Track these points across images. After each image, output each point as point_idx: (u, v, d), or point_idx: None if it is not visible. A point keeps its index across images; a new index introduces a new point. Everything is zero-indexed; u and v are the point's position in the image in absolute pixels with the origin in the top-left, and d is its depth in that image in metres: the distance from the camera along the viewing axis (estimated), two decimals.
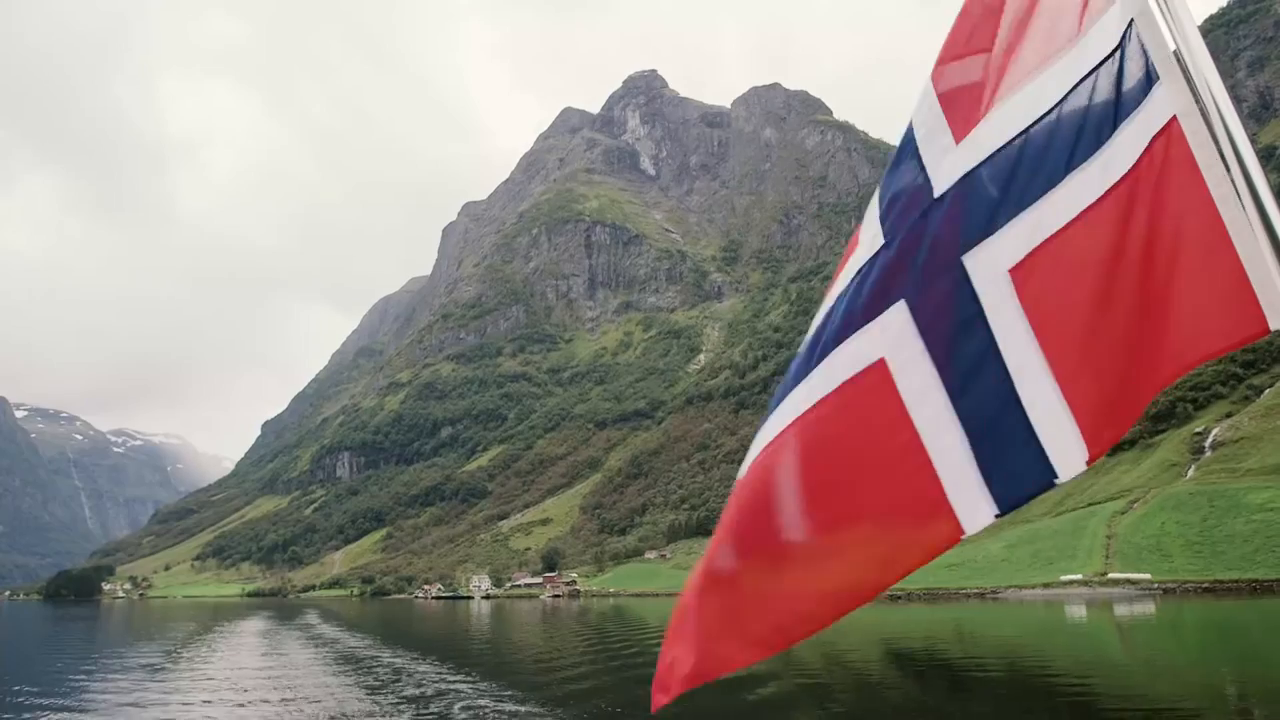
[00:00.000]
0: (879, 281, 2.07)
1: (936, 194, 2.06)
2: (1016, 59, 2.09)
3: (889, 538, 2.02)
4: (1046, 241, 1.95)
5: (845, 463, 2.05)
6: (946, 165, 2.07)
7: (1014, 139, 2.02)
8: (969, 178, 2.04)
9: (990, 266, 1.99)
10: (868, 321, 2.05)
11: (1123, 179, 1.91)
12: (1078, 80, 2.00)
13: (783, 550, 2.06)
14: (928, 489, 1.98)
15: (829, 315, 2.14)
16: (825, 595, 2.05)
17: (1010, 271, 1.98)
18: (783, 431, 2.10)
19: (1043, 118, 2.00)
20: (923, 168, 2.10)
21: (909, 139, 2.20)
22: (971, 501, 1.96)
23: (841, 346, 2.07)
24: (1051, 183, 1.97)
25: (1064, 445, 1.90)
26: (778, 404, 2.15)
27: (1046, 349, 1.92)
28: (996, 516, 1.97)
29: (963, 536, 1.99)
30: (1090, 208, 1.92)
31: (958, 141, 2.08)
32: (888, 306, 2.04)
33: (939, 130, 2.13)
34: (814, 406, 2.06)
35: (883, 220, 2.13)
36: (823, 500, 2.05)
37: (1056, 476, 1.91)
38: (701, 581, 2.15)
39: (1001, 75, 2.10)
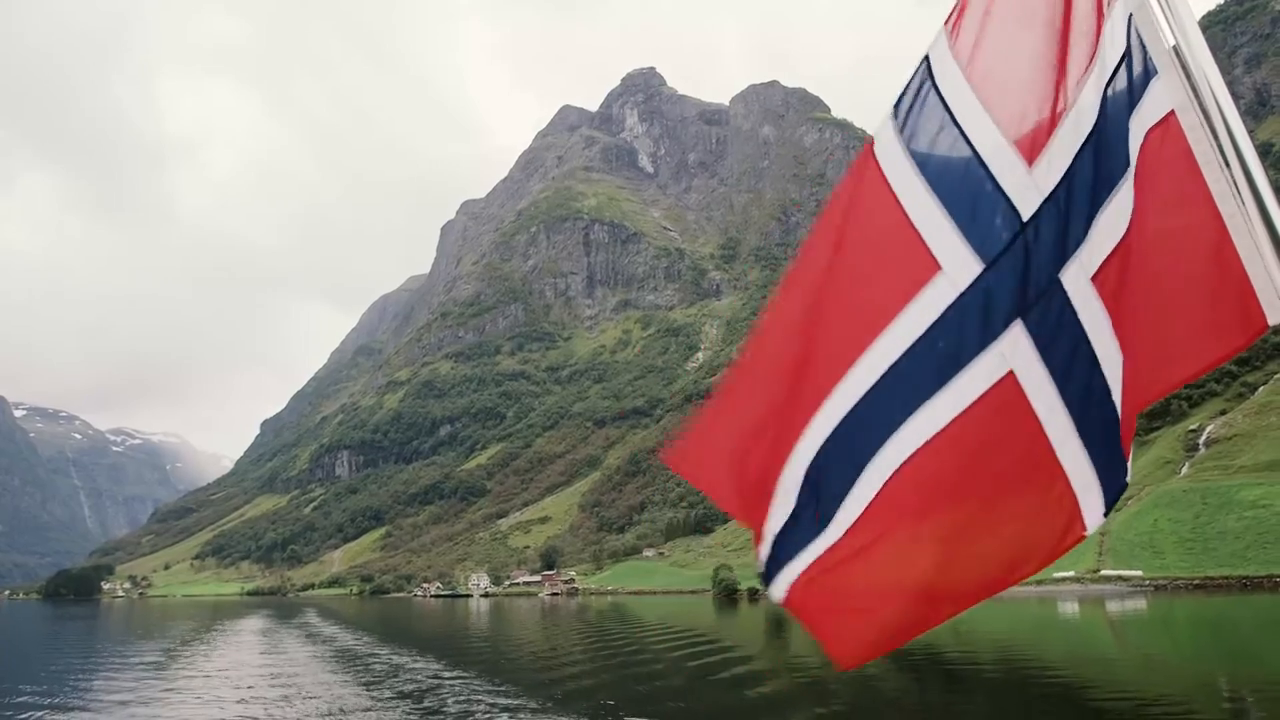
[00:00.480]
0: (995, 303, 2.14)
1: (1024, 218, 2.12)
2: (1066, 74, 2.15)
3: (1023, 539, 2.15)
4: (1118, 247, 2.05)
5: (985, 474, 2.15)
6: (1027, 190, 2.13)
7: (1077, 155, 2.08)
8: (1051, 200, 2.10)
9: (1080, 279, 2.08)
10: (991, 341, 2.14)
11: (1132, 174, 1.99)
12: (1105, 84, 2.07)
13: (921, 548, 2.18)
14: (1065, 496, 2.10)
15: (938, 330, 2.17)
16: (947, 594, 2.18)
17: (1092, 279, 2.07)
18: (924, 446, 2.16)
19: (1095, 127, 2.07)
20: (1001, 190, 2.15)
21: (959, 137, 2.20)
22: (1092, 504, 2.10)
23: (971, 365, 2.15)
24: (1110, 186, 2.06)
25: (1125, 446, 2.06)
26: (900, 420, 2.18)
27: (1125, 351, 2.01)
28: (1103, 516, 2.14)
29: (1085, 536, 2.15)
30: (1134, 209, 2.01)
31: (1030, 165, 2.13)
32: (1007, 326, 2.12)
33: (1005, 152, 2.16)
34: (953, 420, 2.14)
35: (973, 244, 2.17)
36: (962, 506, 2.15)
37: (1128, 476, 2.09)
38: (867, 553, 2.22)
39: (1057, 92, 2.15)
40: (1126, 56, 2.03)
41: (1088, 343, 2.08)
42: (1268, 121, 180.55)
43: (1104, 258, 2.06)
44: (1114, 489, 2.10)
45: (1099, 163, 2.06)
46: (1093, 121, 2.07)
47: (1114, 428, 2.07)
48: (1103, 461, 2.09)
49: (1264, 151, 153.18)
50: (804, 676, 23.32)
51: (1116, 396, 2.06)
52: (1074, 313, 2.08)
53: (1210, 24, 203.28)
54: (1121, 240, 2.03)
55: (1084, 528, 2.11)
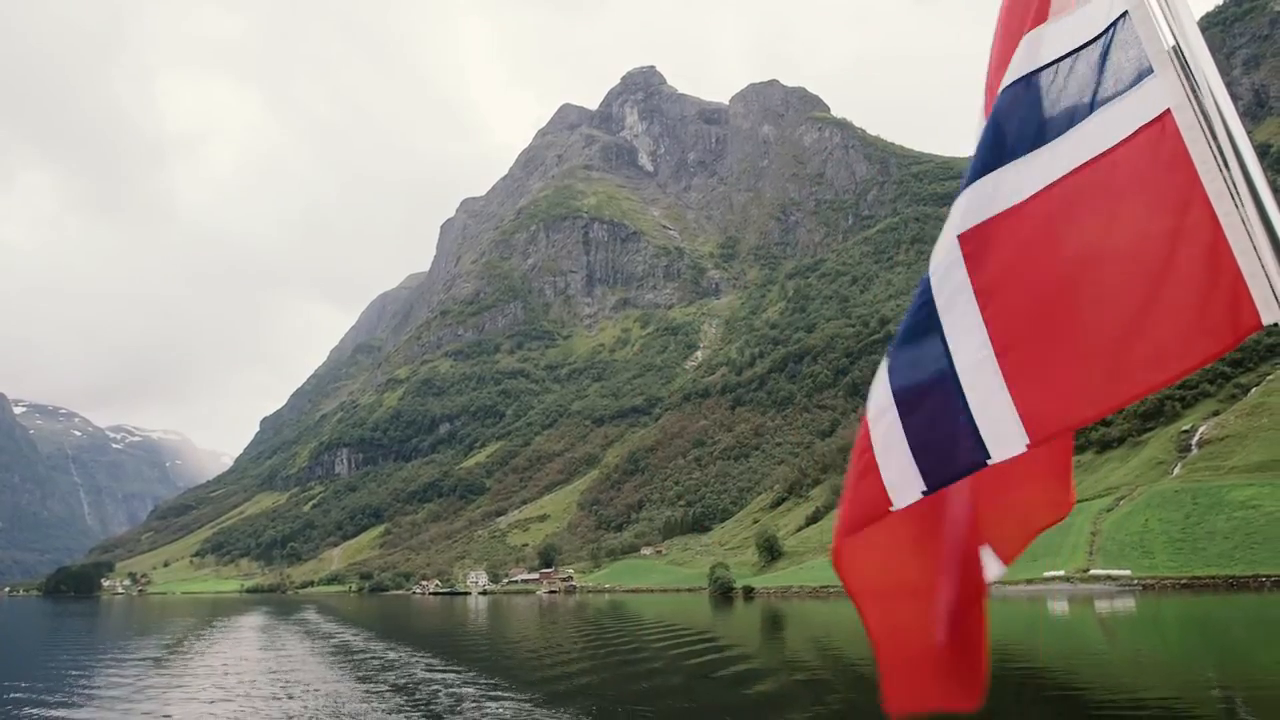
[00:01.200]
0: None
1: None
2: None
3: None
4: (1004, 214, 2.01)
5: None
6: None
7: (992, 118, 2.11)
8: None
9: (947, 234, 2.07)
10: None
11: (1089, 163, 1.96)
12: (1054, 59, 2.07)
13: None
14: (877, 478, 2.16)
15: None
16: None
17: (959, 237, 2.03)
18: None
19: (1010, 86, 2.10)
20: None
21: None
22: (901, 480, 2.09)
23: None
24: (1015, 155, 2.03)
25: (1001, 429, 1.96)
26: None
27: (990, 325, 1.94)
28: (924, 494, 2.04)
29: (890, 509, 2.15)
30: (1052, 186, 1.97)
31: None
32: None
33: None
34: None
35: None
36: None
37: (989, 457, 1.98)
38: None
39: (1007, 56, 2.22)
40: (1101, 46, 2.01)
41: (931, 300, 2.11)
42: (1266, 123, 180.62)
43: (984, 218, 2.04)
44: (950, 467, 2.05)
45: (1010, 127, 2.09)
46: (1011, 79, 2.11)
47: (956, 398, 2.03)
48: (925, 433, 2.05)
49: (1262, 152, 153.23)
50: (801, 674, 23.75)
51: (967, 364, 2.01)
52: (931, 266, 2.16)
53: (1209, 25, 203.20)
54: (1014, 209, 2.01)
55: (890, 505, 2.18)
